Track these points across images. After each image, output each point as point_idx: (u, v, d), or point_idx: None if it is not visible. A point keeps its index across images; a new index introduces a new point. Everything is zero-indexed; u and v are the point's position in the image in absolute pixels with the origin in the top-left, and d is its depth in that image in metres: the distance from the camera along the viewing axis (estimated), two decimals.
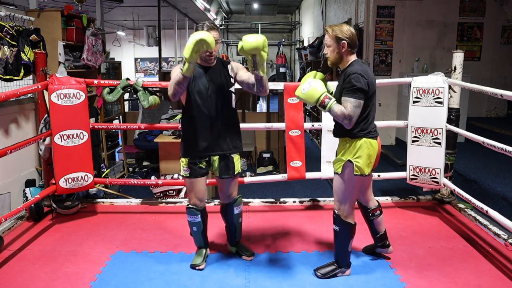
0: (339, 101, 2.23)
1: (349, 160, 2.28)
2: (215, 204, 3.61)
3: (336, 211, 2.37)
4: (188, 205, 2.53)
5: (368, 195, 2.54)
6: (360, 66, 2.22)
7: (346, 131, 2.28)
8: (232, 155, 2.52)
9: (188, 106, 2.42)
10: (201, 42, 2.14)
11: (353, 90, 2.16)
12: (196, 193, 2.50)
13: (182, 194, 3.87)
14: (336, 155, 2.41)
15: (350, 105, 2.15)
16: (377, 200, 2.59)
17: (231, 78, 2.49)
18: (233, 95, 2.50)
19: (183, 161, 2.47)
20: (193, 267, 2.54)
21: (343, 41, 2.23)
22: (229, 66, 2.50)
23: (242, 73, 2.48)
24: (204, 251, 2.61)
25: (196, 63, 2.23)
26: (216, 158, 2.48)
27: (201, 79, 2.39)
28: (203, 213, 2.54)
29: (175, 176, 4.05)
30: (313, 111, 7.84)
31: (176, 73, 2.27)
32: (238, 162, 2.55)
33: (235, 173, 2.55)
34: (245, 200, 3.68)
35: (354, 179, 2.29)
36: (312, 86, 2.22)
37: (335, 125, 2.39)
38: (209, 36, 2.15)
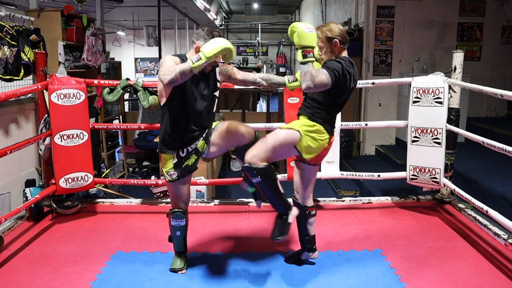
0: None
1: (298, 131, 2.24)
2: (215, 204, 3.60)
3: (248, 163, 2.18)
4: (173, 210, 2.44)
5: (308, 192, 2.43)
6: (345, 60, 2.20)
7: (308, 112, 2.28)
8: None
9: (175, 104, 2.30)
10: (227, 52, 2.15)
11: (327, 67, 2.13)
12: (182, 198, 2.43)
13: None
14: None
15: (321, 71, 2.09)
16: (314, 200, 2.42)
17: (218, 83, 2.44)
18: (217, 100, 2.45)
19: (169, 164, 2.33)
20: (174, 271, 2.47)
21: (335, 40, 2.23)
22: (217, 70, 2.43)
23: (236, 73, 2.51)
24: (185, 255, 2.54)
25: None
26: (201, 142, 2.37)
27: (193, 80, 2.29)
28: (187, 215, 2.48)
29: None
30: None
31: (180, 63, 2.17)
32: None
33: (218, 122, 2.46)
34: (245, 200, 3.68)
35: (288, 142, 2.22)
36: (314, 33, 2.12)
37: (305, 103, 2.37)
38: (234, 51, 2.19)
